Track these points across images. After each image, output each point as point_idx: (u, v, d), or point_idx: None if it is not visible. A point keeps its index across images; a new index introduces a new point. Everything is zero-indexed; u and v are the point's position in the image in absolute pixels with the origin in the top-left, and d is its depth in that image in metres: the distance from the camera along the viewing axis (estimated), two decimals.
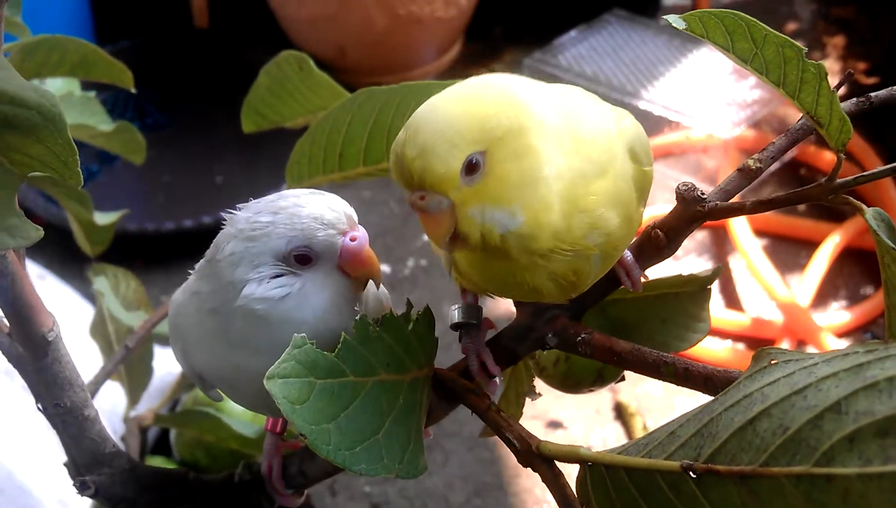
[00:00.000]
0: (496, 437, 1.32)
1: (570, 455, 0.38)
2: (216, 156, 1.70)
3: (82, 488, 0.44)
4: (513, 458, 1.30)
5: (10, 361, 0.52)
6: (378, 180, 1.62)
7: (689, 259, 1.48)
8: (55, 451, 1.00)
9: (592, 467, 0.37)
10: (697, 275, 0.47)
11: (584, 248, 0.38)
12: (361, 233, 0.43)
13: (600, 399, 1.27)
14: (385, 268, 1.44)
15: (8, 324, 0.53)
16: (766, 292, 1.37)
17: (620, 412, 1.25)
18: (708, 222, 1.43)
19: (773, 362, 0.34)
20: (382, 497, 1.20)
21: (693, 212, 0.41)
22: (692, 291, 0.47)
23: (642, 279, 0.43)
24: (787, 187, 1.55)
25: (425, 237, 1.52)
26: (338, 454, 0.36)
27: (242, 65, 1.79)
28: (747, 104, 1.60)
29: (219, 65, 1.82)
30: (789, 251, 1.48)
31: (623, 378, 0.51)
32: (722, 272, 0.49)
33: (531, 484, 1.18)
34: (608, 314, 0.49)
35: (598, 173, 0.38)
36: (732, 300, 1.41)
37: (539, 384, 0.53)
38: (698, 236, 1.54)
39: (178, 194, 1.62)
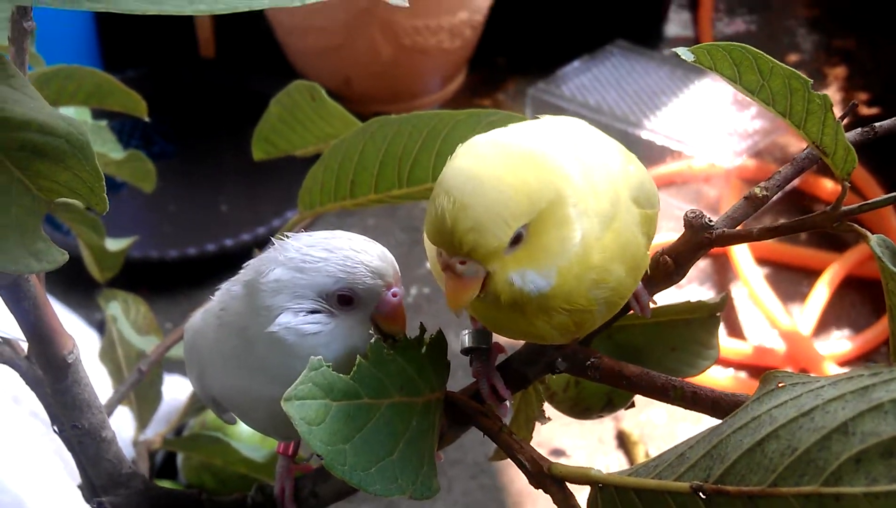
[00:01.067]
0: (499, 464, 1.31)
1: (581, 477, 0.39)
2: (221, 185, 1.72)
3: None
4: (516, 485, 1.30)
5: (27, 383, 0.53)
6: (383, 208, 1.64)
7: (691, 288, 1.48)
8: (62, 476, 1.00)
9: (603, 488, 0.38)
10: (706, 302, 0.48)
11: (588, 303, 0.39)
12: (401, 290, 0.44)
13: (603, 428, 1.27)
14: None
15: (26, 347, 0.54)
16: (769, 321, 1.37)
17: (623, 441, 1.26)
18: (710, 251, 1.44)
19: (780, 385, 0.35)
20: None
21: (701, 239, 0.42)
22: (701, 317, 0.48)
23: (651, 305, 0.44)
24: (787, 216, 1.56)
25: (429, 265, 1.53)
26: (353, 474, 0.37)
27: (248, 94, 1.80)
28: (749, 134, 1.62)
29: (224, 94, 1.84)
30: (791, 280, 1.49)
31: (633, 405, 0.52)
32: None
33: None
34: (616, 340, 0.50)
35: (605, 227, 0.39)
36: (735, 329, 1.41)
37: (546, 410, 0.54)
38: (700, 265, 1.55)
39: (183, 222, 1.63)
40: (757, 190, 0.43)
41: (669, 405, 0.43)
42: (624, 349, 0.49)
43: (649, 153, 1.60)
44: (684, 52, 0.38)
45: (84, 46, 1.76)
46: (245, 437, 0.87)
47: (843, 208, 0.39)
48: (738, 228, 0.42)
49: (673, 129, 1.63)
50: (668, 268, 0.42)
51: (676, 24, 2.03)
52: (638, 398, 0.54)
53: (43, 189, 0.37)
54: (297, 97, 0.69)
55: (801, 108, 0.37)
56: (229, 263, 1.57)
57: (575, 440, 1.25)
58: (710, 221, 0.41)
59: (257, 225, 1.54)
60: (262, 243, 0.89)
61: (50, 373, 0.45)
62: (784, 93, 0.37)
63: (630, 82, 1.76)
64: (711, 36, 1.93)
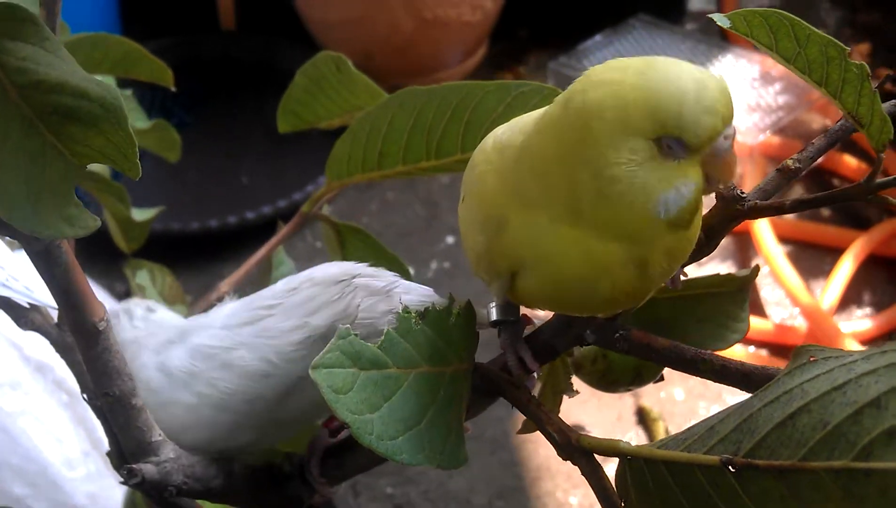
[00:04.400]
0: (517, 440, 1.32)
1: (610, 449, 0.39)
2: (241, 157, 1.72)
3: (129, 476, 0.45)
4: (535, 461, 1.31)
5: (57, 350, 0.54)
6: (403, 182, 1.64)
7: (712, 265, 1.48)
8: (86, 446, 1.01)
9: (632, 461, 0.38)
10: (735, 275, 0.48)
11: (659, 260, 0.39)
12: None
13: (622, 404, 1.28)
14: (409, 270, 1.45)
15: (56, 314, 0.55)
16: (790, 298, 1.37)
17: (643, 417, 1.26)
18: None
19: (812, 359, 0.35)
20: (405, 499, 1.21)
21: (733, 211, 0.41)
22: (730, 291, 0.48)
23: (681, 278, 0.44)
24: (809, 194, 1.55)
25: (449, 240, 1.53)
26: (380, 443, 0.37)
27: (269, 67, 1.80)
28: (772, 110, 1.60)
29: (245, 66, 1.84)
30: (813, 258, 1.48)
31: (662, 378, 0.51)
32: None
33: (553, 487, 1.19)
34: (643, 313, 0.49)
35: None
36: (756, 306, 1.41)
37: (574, 383, 0.54)
38: (722, 242, 1.54)
39: (204, 194, 1.63)
40: (789, 162, 0.42)
41: (688, 383, 0.43)
42: (650, 322, 0.49)
43: None
44: (720, 19, 0.37)
45: (105, 17, 1.76)
46: None
47: (878, 180, 0.38)
48: (770, 200, 0.42)
49: None
50: (699, 240, 0.42)
51: None
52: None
53: (76, 154, 0.37)
54: (323, 69, 0.68)
55: (838, 76, 0.37)
56: (251, 235, 1.57)
57: (594, 417, 1.26)
58: (742, 193, 0.41)
59: (278, 198, 1.54)
60: (284, 216, 0.89)
61: (81, 340, 0.45)
62: (821, 61, 0.37)
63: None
64: (734, 8, 1.91)
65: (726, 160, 0.37)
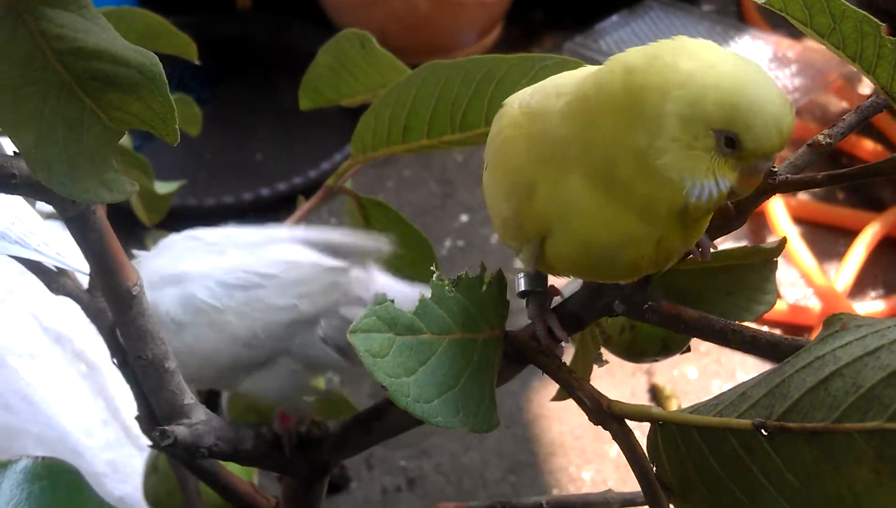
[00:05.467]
0: (531, 416, 1.33)
1: (642, 414, 0.39)
2: (256, 134, 1.73)
3: (162, 437, 0.46)
4: (548, 437, 1.32)
5: (88, 316, 0.55)
6: (418, 159, 1.64)
7: (726, 245, 1.48)
8: (104, 415, 1.02)
9: (663, 426, 0.38)
10: (762, 247, 0.48)
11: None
12: None
13: (636, 381, 1.28)
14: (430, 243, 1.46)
15: (87, 281, 0.55)
16: (805, 279, 1.37)
17: (656, 395, 1.26)
18: None
19: (843, 326, 0.35)
20: (418, 472, 1.22)
21: (764, 184, 0.41)
22: (757, 262, 0.48)
23: (711, 250, 0.44)
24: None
25: (464, 218, 1.54)
26: (416, 405, 0.38)
27: (282, 46, 1.81)
28: (788, 91, 1.60)
29: (259, 45, 1.84)
30: (828, 239, 1.48)
31: (689, 349, 0.52)
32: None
33: (566, 463, 1.20)
34: (670, 285, 0.50)
35: None
36: None
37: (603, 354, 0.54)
38: None
39: (219, 170, 1.64)
40: (820, 137, 0.42)
41: (702, 361, 0.44)
42: (678, 293, 0.49)
43: None
44: None
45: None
46: None
47: None
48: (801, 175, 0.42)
49: None
50: (730, 213, 0.42)
51: None
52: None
53: (114, 119, 0.37)
54: (346, 46, 0.69)
55: (872, 52, 0.37)
56: (266, 211, 1.58)
57: (608, 393, 1.26)
58: (774, 168, 0.41)
59: (293, 175, 1.55)
60: (300, 192, 0.90)
61: (114, 305, 0.46)
62: (855, 36, 0.37)
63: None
64: None
65: (757, 178, 0.38)
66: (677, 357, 0.48)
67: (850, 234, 1.44)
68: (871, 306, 1.35)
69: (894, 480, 0.31)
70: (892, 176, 0.39)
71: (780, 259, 1.50)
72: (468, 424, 0.39)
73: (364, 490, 1.19)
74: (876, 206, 1.50)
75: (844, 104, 1.67)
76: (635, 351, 0.52)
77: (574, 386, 0.41)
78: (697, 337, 0.43)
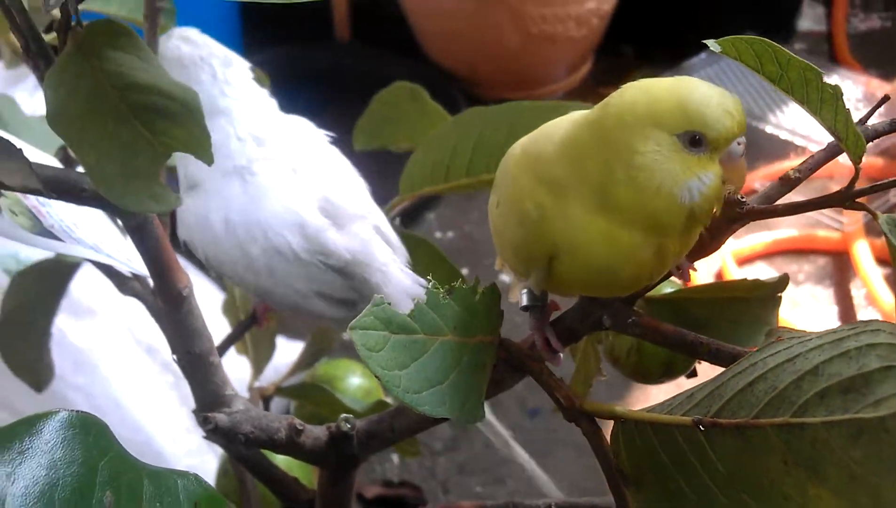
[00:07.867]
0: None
1: (607, 412, 0.44)
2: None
3: (204, 423, 0.52)
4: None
5: (152, 314, 0.62)
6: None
7: (807, 286, 1.49)
8: (188, 424, 1.10)
9: (624, 422, 0.43)
10: (767, 281, 0.52)
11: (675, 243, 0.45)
12: None
13: None
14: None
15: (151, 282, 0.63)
16: (886, 320, 1.37)
17: None
18: (829, 250, 1.43)
19: (779, 339, 0.40)
20: (491, 499, 1.26)
21: (733, 213, 0.46)
22: (762, 296, 0.52)
23: (691, 271, 0.49)
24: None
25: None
26: (406, 395, 0.43)
27: (377, 76, 1.88)
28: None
29: (355, 75, 1.92)
30: None
31: (695, 373, 0.56)
32: (787, 283, 0.54)
33: None
34: (679, 313, 0.54)
35: None
36: None
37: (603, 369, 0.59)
38: (819, 262, 1.54)
39: None
40: (791, 173, 0.47)
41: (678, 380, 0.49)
42: (690, 320, 0.53)
43: (773, 148, 1.61)
44: (712, 44, 0.42)
45: (227, 28, 1.86)
46: (350, 391, 0.95)
47: (856, 188, 0.43)
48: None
49: (798, 124, 1.63)
50: (703, 239, 0.47)
51: (810, 18, 2.02)
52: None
53: (162, 143, 0.44)
54: (398, 96, 0.76)
55: (816, 96, 0.41)
56: None
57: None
58: (742, 197, 0.46)
59: None
60: None
61: (167, 304, 0.53)
62: (801, 82, 0.42)
63: (756, 76, 1.75)
64: (845, 31, 1.91)
65: (739, 165, 0.43)
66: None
67: None
68: None
69: (799, 468, 0.36)
70: (841, 206, 0.43)
71: (862, 300, 1.48)
72: (453, 414, 0.44)
73: None
74: None
75: None
76: (641, 371, 0.57)
77: (553, 387, 0.46)
78: (672, 349, 0.48)
